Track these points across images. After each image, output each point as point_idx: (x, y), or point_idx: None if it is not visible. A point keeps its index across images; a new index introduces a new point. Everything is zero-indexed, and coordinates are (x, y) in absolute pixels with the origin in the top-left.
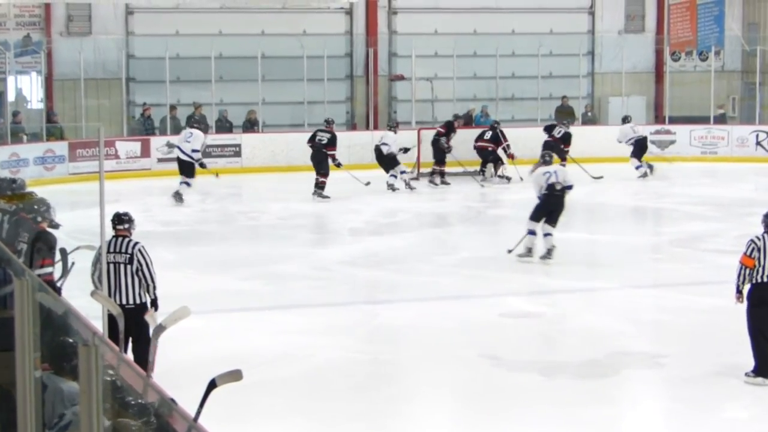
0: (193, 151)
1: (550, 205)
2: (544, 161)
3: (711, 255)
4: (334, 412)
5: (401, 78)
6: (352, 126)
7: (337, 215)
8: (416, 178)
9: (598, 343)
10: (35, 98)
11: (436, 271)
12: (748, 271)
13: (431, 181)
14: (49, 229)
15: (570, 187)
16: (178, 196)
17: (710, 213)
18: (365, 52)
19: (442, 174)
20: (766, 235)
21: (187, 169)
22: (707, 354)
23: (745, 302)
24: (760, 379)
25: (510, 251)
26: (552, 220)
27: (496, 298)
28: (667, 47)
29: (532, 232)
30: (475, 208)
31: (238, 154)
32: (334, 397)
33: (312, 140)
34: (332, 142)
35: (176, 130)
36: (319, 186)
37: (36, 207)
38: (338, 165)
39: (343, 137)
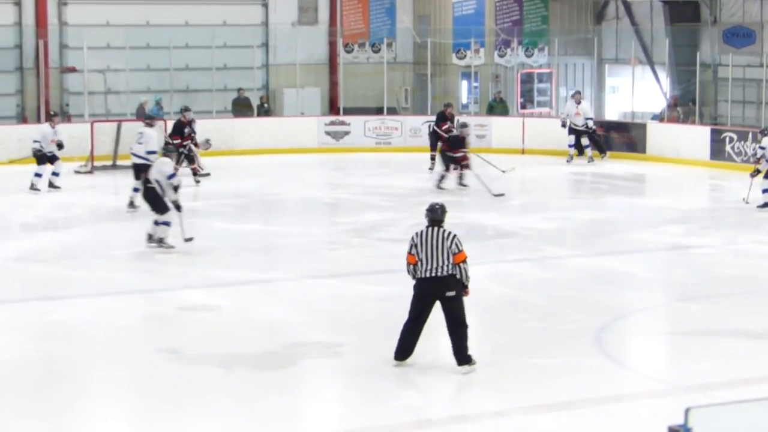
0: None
1: None
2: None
3: (385, 244)
4: (7, 410)
5: (73, 70)
6: (23, 119)
7: (8, 210)
8: (90, 172)
9: (275, 335)
10: None
11: (112, 266)
12: (412, 267)
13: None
14: None
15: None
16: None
17: (385, 203)
18: (35, 44)
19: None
20: (425, 230)
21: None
22: (383, 342)
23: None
24: (395, 362)
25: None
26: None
27: (173, 292)
28: (340, 39)
29: None
30: None
31: None
32: (7, 395)
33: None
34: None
35: None
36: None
37: None
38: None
39: (13, 131)
